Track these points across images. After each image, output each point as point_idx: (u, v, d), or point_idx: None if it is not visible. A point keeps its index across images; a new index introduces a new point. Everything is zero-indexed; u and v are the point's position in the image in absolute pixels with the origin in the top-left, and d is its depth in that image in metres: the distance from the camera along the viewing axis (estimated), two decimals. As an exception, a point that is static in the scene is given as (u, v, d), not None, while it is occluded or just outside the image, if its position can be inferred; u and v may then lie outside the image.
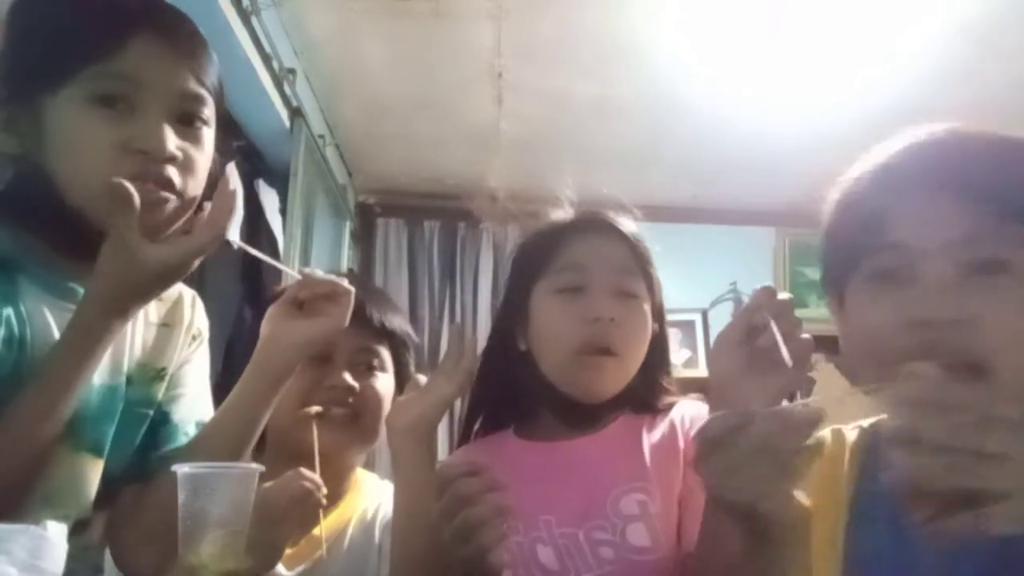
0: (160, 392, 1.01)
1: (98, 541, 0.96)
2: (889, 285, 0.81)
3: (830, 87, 2.78)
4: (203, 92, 0.92)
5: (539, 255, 1.17)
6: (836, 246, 0.89)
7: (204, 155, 0.93)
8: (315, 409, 1.22)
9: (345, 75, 2.80)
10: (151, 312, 1.01)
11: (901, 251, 0.81)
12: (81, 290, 0.89)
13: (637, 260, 1.15)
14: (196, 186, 0.92)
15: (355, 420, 1.28)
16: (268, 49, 2.33)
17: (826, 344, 0.94)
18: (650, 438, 1.11)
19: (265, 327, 1.01)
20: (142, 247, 0.82)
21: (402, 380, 1.37)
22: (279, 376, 0.99)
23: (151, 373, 1.00)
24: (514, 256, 1.24)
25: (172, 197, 0.88)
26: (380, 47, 2.62)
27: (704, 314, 3.65)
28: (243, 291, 2.55)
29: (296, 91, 2.59)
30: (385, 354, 1.34)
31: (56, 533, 0.66)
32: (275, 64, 2.40)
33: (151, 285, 0.86)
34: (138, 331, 0.99)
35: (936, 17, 2.40)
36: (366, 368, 1.31)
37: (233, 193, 0.88)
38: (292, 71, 2.56)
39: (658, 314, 1.18)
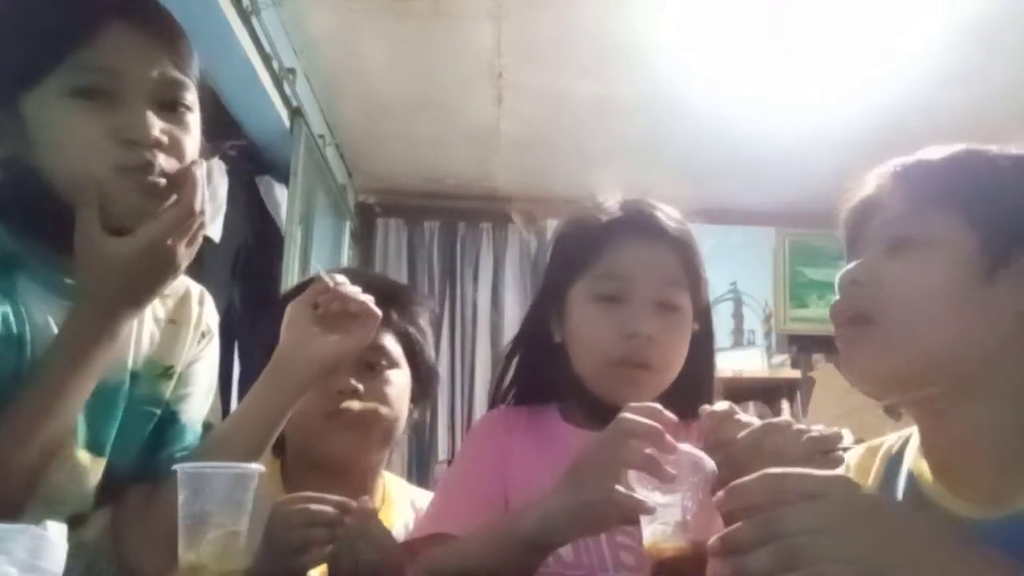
0: (168, 390, 1.00)
1: (94, 539, 0.95)
2: None
3: (830, 87, 2.78)
4: (182, 77, 0.91)
5: (581, 253, 1.10)
6: None
7: (190, 138, 0.91)
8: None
9: (345, 75, 2.80)
10: (157, 308, 1.00)
11: None
12: None
13: (683, 267, 1.09)
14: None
15: (365, 422, 1.25)
16: (268, 49, 2.33)
17: (826, 344, 0.94)
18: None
19: (286, 334, 1.00)
20: (100, 240, 0.82)
21: (418, 368, 1.34)
22: (298, 389, 0.99)
23: (158, 371, 0.99)
24: (555, 245, 1.18)
25: (163, 181, 0.87)
26: (380, 47, 2.62)
27: (704, 314, 3.64)
28: (240, 289, 2.54)
29: (296, 91, 2.58)
30: (393, 347, 1.30)
31: (56, 533, 0.66)
32: (275, 64, 2.39)
33: (129, 279, 0.85)
34: (144, 328, 0.98)
35: (936, 17, 2.39)
36: (373, 368, 1.28)
37: (198, 172, 0.87)
38: (292, 71, 2.56)
39: (703, 316, 1.12)
